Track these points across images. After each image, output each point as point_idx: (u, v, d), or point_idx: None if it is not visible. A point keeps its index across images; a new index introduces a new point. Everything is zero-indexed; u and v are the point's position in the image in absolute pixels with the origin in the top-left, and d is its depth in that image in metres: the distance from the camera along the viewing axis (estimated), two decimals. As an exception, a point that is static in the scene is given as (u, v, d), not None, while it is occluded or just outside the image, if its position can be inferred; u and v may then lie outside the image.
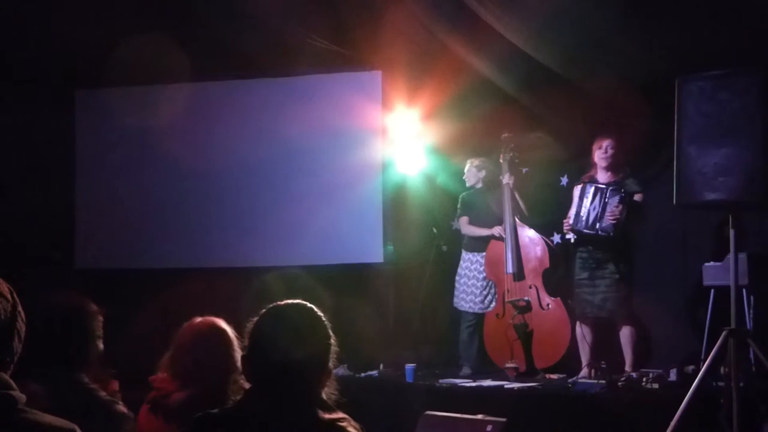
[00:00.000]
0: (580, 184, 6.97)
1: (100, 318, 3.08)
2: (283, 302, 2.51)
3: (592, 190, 6.78)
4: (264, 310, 2.50)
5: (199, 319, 3.45)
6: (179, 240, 8.73)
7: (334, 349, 2.49)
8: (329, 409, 2.41)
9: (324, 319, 2.51)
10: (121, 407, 2.96)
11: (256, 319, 2.49)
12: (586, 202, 6.77)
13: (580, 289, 6.90)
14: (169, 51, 8.04)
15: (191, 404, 3.13)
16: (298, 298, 2.55)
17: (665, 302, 7.50)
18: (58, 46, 7.74)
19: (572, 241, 7.06)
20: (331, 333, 2.50)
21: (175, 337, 3.44)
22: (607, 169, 6.92)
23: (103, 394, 2.99)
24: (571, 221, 6.87)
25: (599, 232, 6.68)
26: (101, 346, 3.08)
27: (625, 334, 6.78)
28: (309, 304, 2.52)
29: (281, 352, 2.38)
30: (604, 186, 6.76)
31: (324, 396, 2.44)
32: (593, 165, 7.02)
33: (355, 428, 2.40)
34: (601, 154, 6.93)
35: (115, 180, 8.90)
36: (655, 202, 7.00)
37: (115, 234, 8.83)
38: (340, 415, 2.42)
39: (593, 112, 7.42)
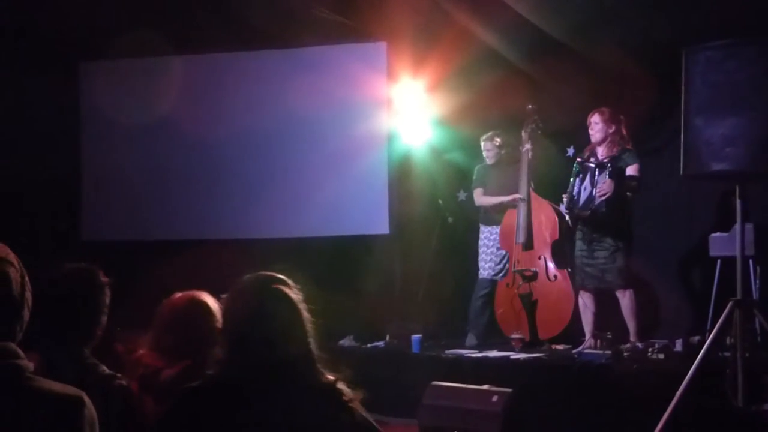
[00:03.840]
0: (578, 159, 6.92)
1: (108, 291, 3.06)
2: (253, 275, 2.51)
3: (581, 169, 6.75)
4: (238, 285, 2.49)
5: (178, 295, 3.41)
6: (185, 212, 8.74)
7: (306, 316, 2.48)
8: (323, 372, 2.43)
9: (291, 284, 2.51)
10: (121, 381, 2.93)
11: (237, 290, 2.48)
12: (577, 181, 6.74)
13: (580, 260, 6.90)
14: (173, 22, 8.02)
15: (182, 380, 3.03)
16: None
17: (671, 273, 7.51)
18: (63, 18, 7.72)
19: (567, 219, 7.04)
20: (301, 297, 2.50)
21: (155, 315, 3.41)
22: (599, 144, 6.87)
23: (103, 368, 2.95)
24: (564, 203, 6.85)
25: (595, 211, 6.65)
26: (105, 319, 3.05)
27: (626, 304, 6.76)
28: (276, 275, 2.52)
29: (269, 326, 2.39)
30: (593, 165, 6.71)
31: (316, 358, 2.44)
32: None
33: (350, 394, 2.44)
34: (589, 130, 6.90)
35: (121, 152, 8.90)
36: (661, 172, 6.98)
37: (120, 206, 8.85)
38: (337, 376, 2.45)
39: (600, 83, 7.38)
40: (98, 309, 3.01)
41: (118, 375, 2.97)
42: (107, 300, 3.04)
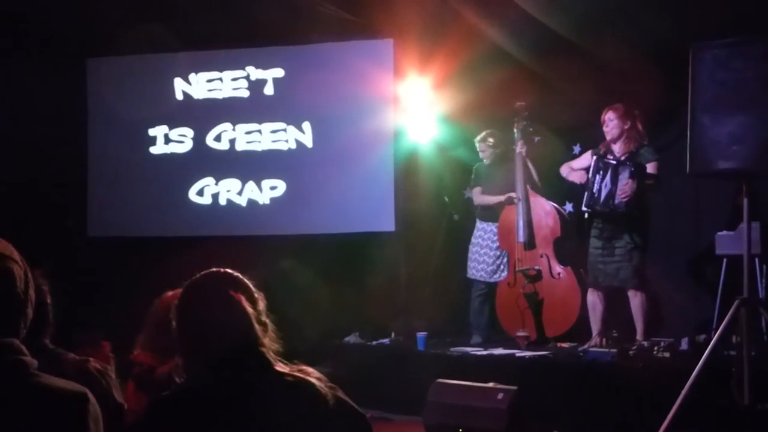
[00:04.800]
0: (594, 155, 6.88)
1: (43, 278, 2.99)
2: (201, 274, 2.47)
3: (602, 166, 6.73)
4: (186, 287, 2.47)
5: (170, 293, 3.38)
6: (191, 208, 8.74)
7: (262, 305, 2.46)
8: (284, 363, 2.40)
9: (245, 280, 2.48)
10: (94, 363, 2.91)
11: (180, 297, 2.46)
12: (598, 178, 6.72)
13: (594, 258, 6.87)
14: (180, 18, 8.03)
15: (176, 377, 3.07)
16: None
17: (677, 271, 7.49)
18: (70, 14, 7.73)
19: (586, 216, 7.01)
20: (253, 288, 2.47)
21: (148, 314, 3.37)
22: (615, 141, 6.85)
23: (71, 355, 2.92)
24: (585, 198, 6.82)
25: (614, 210, 6.64)
26: (50, 307, 2.98)
27: (637, 303, 6.76)
28: (225, 270, 2.48)
29: (220, 325, 2.35)
30: (614, 162, 6.70)
31: (271, 351, 2.40)
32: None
33: (317, 378, 2.40)
34: (604, 127, 6.88)
35: (128, 148, 8.90)
36: (668, 170, 6.97)
37: (127, 202, 8.85)
38: (300, 366, 2.42)
39: (606, 80, 7.37)
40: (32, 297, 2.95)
41: (90, 359, 2.93)
42: (44, 288, 2.98)
